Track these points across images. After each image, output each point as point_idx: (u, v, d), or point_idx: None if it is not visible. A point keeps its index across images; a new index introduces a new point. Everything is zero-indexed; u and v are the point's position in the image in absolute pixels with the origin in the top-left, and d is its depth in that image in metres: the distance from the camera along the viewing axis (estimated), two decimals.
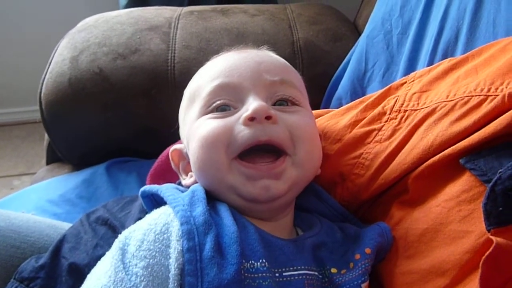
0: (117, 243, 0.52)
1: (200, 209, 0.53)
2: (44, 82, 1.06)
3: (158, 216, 0.54)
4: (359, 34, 1.11)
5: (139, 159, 1.10)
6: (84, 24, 1.17)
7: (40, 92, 1.06)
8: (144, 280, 0.48)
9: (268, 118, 0.57)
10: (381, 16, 0.94)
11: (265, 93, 0.60)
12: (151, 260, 0.49)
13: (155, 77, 1.06)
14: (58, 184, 1.06)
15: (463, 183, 0.52)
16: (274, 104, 0.61)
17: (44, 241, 0.71)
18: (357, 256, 0.56)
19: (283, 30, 1.15)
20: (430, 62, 0.76)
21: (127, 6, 1.66)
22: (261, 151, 0.57)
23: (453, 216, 0.51)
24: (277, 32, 1.14)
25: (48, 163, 1.21)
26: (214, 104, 0.60)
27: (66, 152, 1.13)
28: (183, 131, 0.67)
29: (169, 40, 1.10)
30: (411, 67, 0.82)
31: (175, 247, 0.50)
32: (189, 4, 1.63)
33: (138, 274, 0.48)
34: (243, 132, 0.56)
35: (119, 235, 0.53)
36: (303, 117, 0.61)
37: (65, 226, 0.75)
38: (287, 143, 0.58)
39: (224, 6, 1.24)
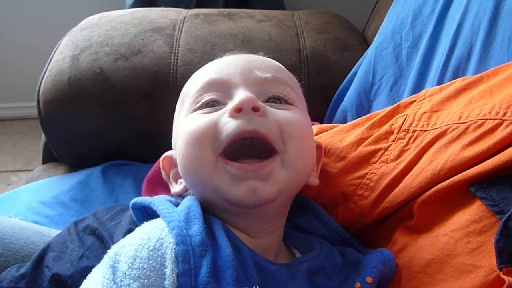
0: (106, 259, 0.48)
1: (196, 228, 0.50)
2: (43, 80, 1.04)
3: (151, 230, 0.50)
4: (368, 45, 1.09)
5: (136, 162, 1.07)
6: (87, 23, 1.15)
7: (39, 90, 1.04)
8: None
9: (255, 109, 0.54)
10: (391, 28, 0.91)
11: (256, 89, 0.58)
12: (145, 281, 0.45)
13: (157, 80, 1.03)
14: (52, 185, 1.03)
15: (473, 212, 0.49)
16: (267, 101, 0.58)
17: (29, 249, 0.68)
18: (358, 285, 0.53)
19: (290, 37, 1.12)
20: (440, 78, 0.73)
21: (133, 5, 1.65)
22: (250, 156, 0.54)
23: (461, 248, 0.48)
24: (284, 40, 1.11)
25: (44, 162, 1.19)
26: (203, 101, 0.58)
27: (62, 153, 1.11)
28: (174, 136, 0.65)
29: (172, 42, 1.08)
30: (420, 82, 0.80)
31: (172, 269, 0.46)
32: (196, 6, 1.61)
33: None
34: (228, 123, 0.53)
35: (108, 251, 0.49)
36: (295, 114, 0.58)
37: (53, 233, 0.72)
38: (275, 139, 0.54)
39: (230, 10, 1.22)
